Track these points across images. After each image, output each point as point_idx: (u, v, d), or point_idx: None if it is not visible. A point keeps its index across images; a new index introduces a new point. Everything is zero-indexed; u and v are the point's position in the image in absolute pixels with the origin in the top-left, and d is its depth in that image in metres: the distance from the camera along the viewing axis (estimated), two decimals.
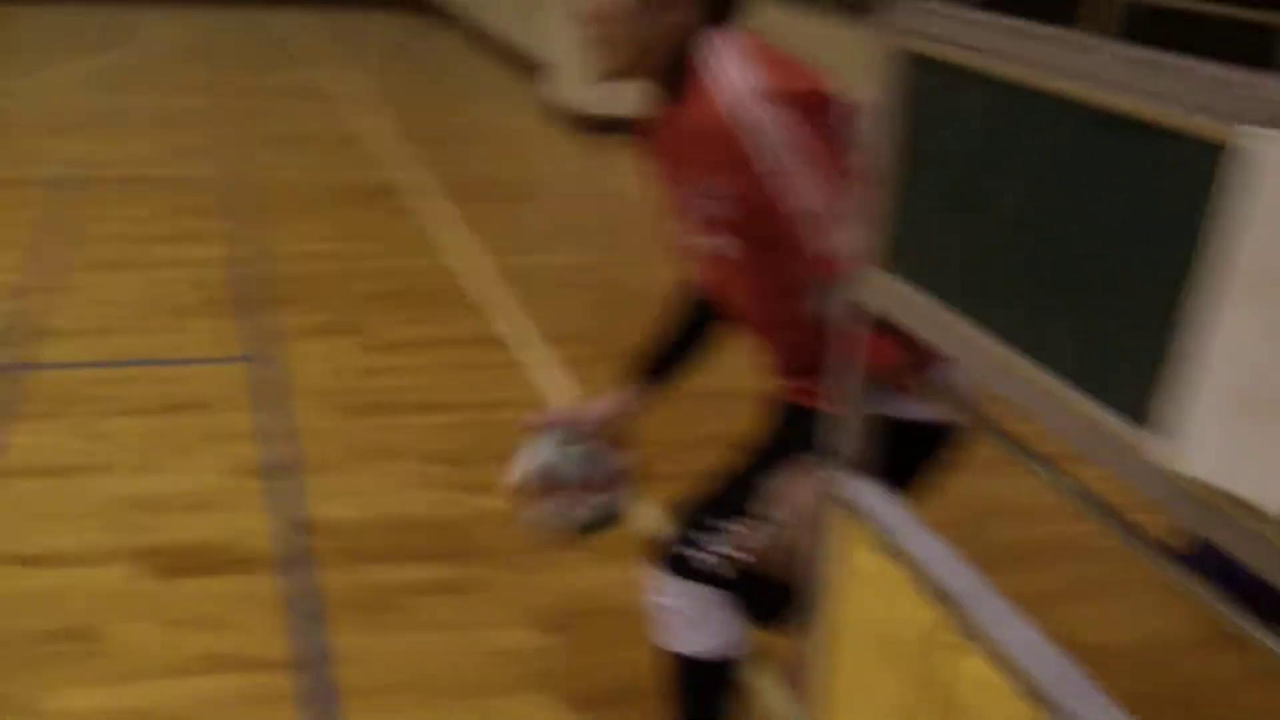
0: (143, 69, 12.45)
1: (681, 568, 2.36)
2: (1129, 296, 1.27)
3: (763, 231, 2.10)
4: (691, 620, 2.41)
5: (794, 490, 2.23)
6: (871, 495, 1.85)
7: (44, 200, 7.21)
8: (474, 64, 13.71)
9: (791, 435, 2.31)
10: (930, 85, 1.64)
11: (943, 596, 1.61)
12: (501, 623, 3.33)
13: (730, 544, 2.31)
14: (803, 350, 2.25)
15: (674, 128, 2.18)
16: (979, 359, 1.54)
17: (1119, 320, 1.29)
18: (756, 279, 2.22)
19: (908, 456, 2.22)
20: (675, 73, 2.14)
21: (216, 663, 3.12)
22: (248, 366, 4.93)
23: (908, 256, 1.71)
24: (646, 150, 2.34)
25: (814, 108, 2.00)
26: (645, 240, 6.82)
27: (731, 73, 2.03)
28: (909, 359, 1.75)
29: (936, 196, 1.64)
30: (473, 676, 3.11)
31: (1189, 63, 1.19)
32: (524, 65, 12.31)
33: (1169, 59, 1.21)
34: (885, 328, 1.75)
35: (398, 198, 7.66)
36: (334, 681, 3.06)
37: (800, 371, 2.28)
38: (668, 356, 2.56)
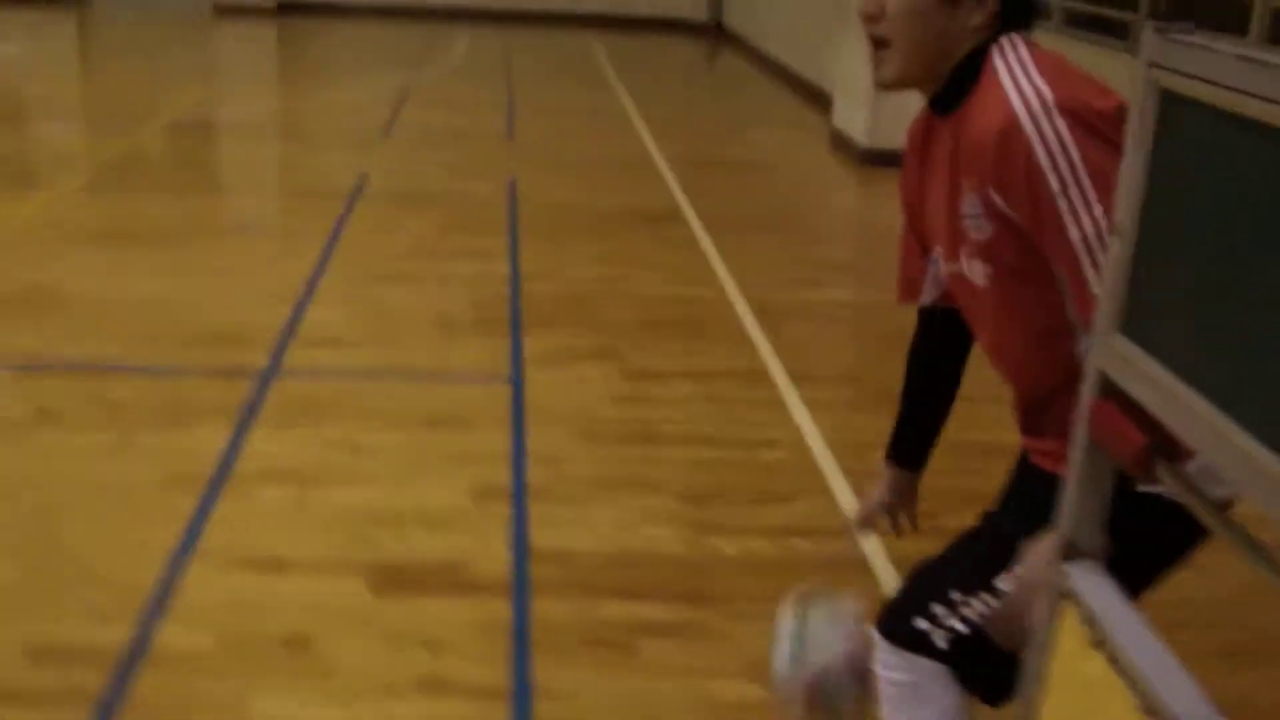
0: (445, 85, 12.82)
1: (906, 638, 2.18)
2: None
3: (1030, 262, 1.92)
4: (912, 695, 2.23)
5: (1028, 567, 2.02)
6: (1098, 587, 1.64)
7: (335, 212, 7.42)
8: (766, 91, 13.66)
9: (1035, 504, 2.10)
10: (1188, 129, 1.43)
11: (1159, 717, 1.39)
12: (726, 674, 3.17)
13: (960, 617, 2.12)
14: (1055, 406, 2.03)
15: (953, 137, 2.01)
16: (1224, 453, 1.32)
17: None
18: (1013, 316, 2.03)
19: (1158, 534, 1.99)
20: (961, 79, 1.98)
21: (433, 686, 3.06)
22: (511, 387, 4.91)
23: (1149, 322, 1.50)
24: (914, 161, 2.17)
25: (1113, 129, 1.79)
26: None
27: (1027, 81, 1.86)
28: (1153, 441, 1.52)
29: (1189, 257, 1.43)
30: None
31: None
32: (813, 95, 12.17)
33: None
34: (1128, 401, 1.54)
35: (679, 223, 7.60)
36: (537, 715, 2.96)
37: (1049, 430, 2.06)
38: (917, 433, 2.44)
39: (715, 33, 18.02)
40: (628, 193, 8.41)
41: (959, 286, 2.12)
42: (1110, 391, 1.59)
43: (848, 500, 4.04)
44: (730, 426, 4.66)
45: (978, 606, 2.11)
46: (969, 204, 1.96)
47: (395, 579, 3.51)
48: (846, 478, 4.23)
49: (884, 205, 8.53)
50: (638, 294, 6.19)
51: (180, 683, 3.02)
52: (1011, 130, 1.83)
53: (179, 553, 3.57)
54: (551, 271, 6.46)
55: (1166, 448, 1.52)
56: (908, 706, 2.24)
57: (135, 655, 3.10)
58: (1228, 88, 1.33)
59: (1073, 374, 1.96)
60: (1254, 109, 1.28)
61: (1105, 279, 1.60)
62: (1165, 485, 1.53)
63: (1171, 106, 1.47)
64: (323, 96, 11.86)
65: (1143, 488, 1.82)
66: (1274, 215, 1.27)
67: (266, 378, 4.85)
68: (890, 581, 3.55)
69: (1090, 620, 1.62)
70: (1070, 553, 1.71)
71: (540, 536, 3.76)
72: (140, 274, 6.11)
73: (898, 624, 2.21)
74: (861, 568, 3.68)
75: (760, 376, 5.16)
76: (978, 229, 1.96)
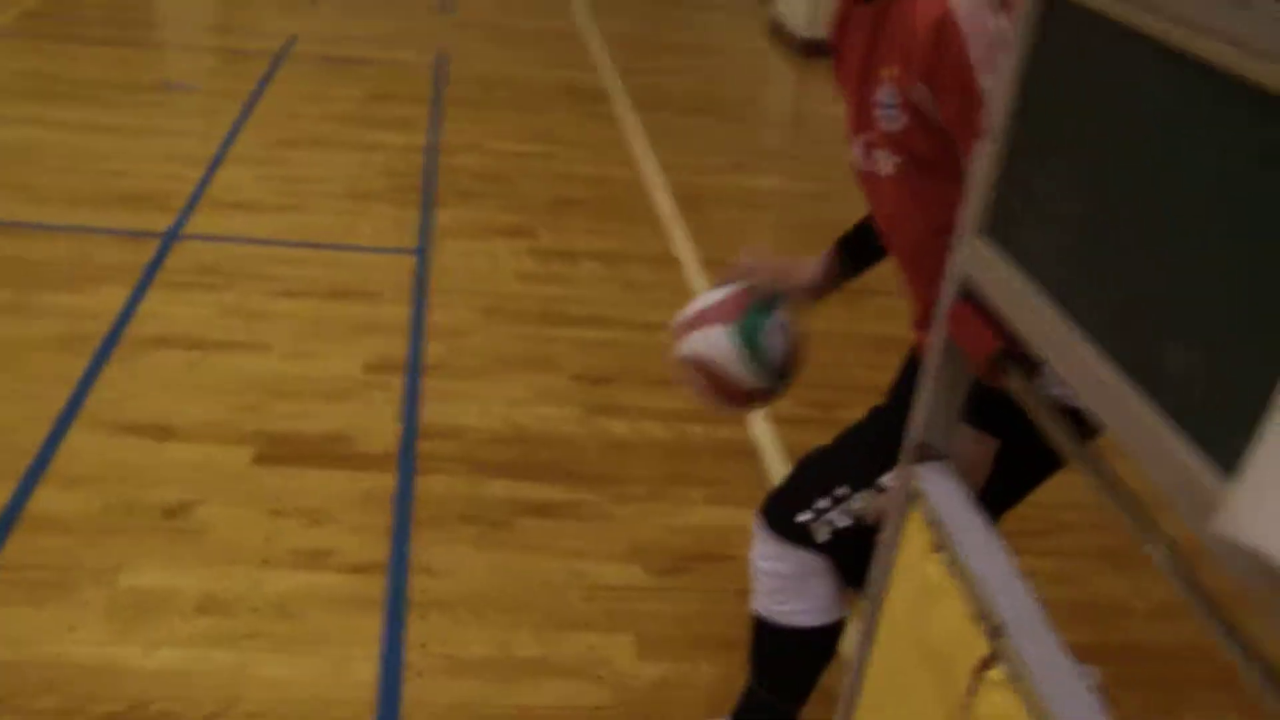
0: None
1: (789, 529, 2.18)
2: (1258, 326, 1.03)
3: (940, 156, 1.88)
4: (792, 586, 2.24)
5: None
6: (945, 491, 1.64)
7: (263, 74, 7.27)
8: None
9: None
10: (1072, 33, 1.40)
11: (993, 626, 1.40)
12: (606, 556, 3.19)
13: (843, 511, 2.13)
14: None
15: (875, 23, 1.95)
16: (1064, 359, 1.31)
17: (1242, 351, 1.05)
18: (916, 208, 1.99)
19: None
20: None
21: (311, 559, 3.06)
22: (419, 260, 4.86)
23: (1014, 227, 1.49)
24: (838, 41, 2.11)
25: None
26: (844, 173, 6.60)
27: None
28: (1008, 348, 1.51)
29: (1057, 166, 1.41)
30: (558, 607, 2.98)
31: None
32: None
33: None
34: (989, 305, 1.52)
35: (607, 102, 7.51)
36: (412, 590, 2.97)
37: None
38: (868, 245, 2.31)
39: None
40: (559, 68, 8.28)
41: (860, 172, 2.08)
42: (972, 294, 1.58)
43: None
44: (635, 309, 4.63)
45: (860, 501, 2.11)
46: (885, 93, 1.90)
47: (281, 449, 3.49)
48: None
49: (818, 96, 8.48)
50: (557, 172, 6.11)
51: (56, 547, 2.99)
52: (948, 23, 1.76)
53: (64, 414, 3.53)
54: (472, 145, 6.37)
55: (1025, 356, 1.52)
56: (787, 597, 2.25)
57: (9, 517, 3.07)
58: None
59: None
60: (1140, 20, 1.25)
61: (974, 180, 1.58)
62: (1015, 391, 1.52)
63: (1058, 7, 1.43)
64: None
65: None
66: (1146, 132, 1.25)
67: (170, 239, 4.77)
68: (779, 469, 3.57)
69: (934, 522, 1.62)
70: (922, 453, 1.71)
71: (431, 412, 3.75)
72: (56, 128, 5.98)
73: (781, 515, 2.21)
74: (752, 454, 3.70)
75: (672, 261, 5.13)
76: (889, 119, 1.91)
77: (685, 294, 4.80)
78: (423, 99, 7.13)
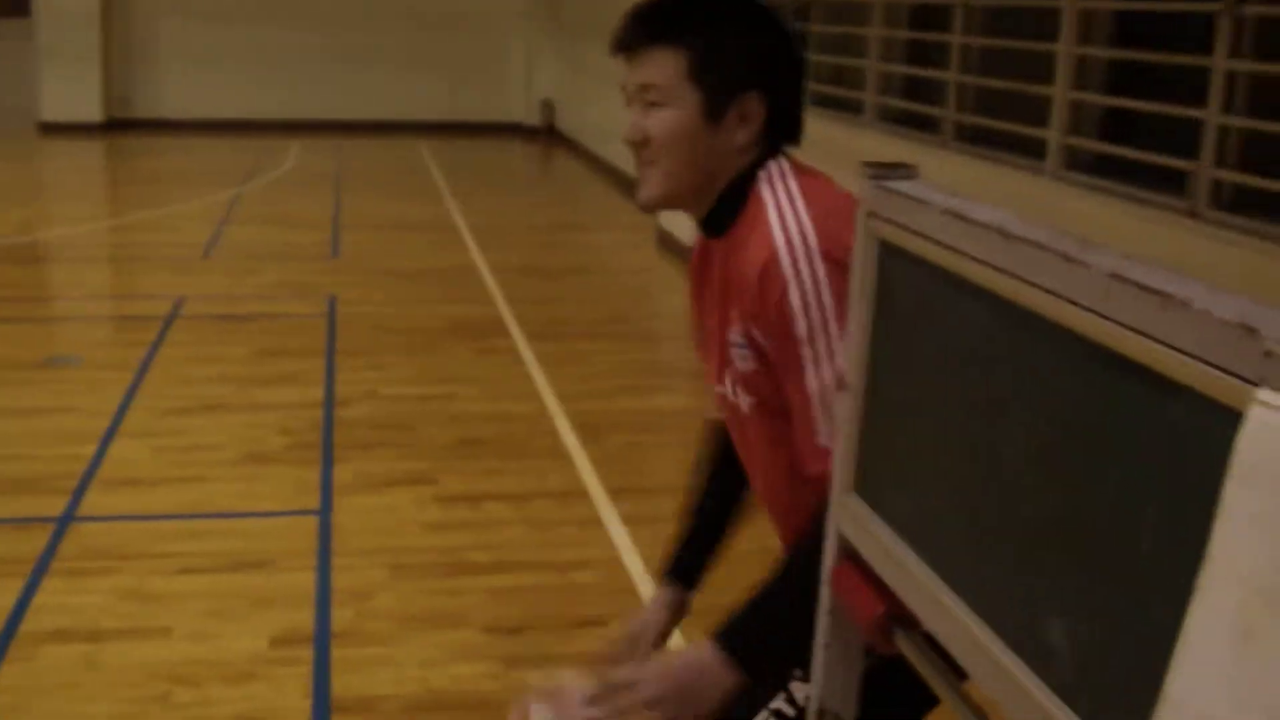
0: (272, 200, 12.56)
1: None
2: (1129, 596, 0.99)
3: (783, 400, 1.86)
4: None
5: None
6: None
7: (148, 339, 7.19)
8: (597, 193, 13.64)
9: None
10: (904, 282, 1.40)
11: None
12: None
13: None
14: None
15: (723, 262, 1.96)
16: (944, 626, 1.28)
17: (1113, 621, 1.02)
18: (772, 448, 1.96)
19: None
20: (728, 203, 1.92)
21: None
22: (320, 521, 4.76)
23: (879, 482, 1.46)
24: (694, 279, 2.12)
25: None
26: None
27: (794, 219, 1.81)
28: (888, 608, 1.47)
29: (909, 416, 1.39)
30: None
31: (1211, 296, 0.92)
32: None
33: (1185, 288, 0.94)
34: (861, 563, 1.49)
35: (501, 335, 7.51)
36: None
37: None
38: (696, 554, 2.29)
39: (547, 136, 18.07)
40: (450, 305, 8.29)
41: (726, 410, 2.07)
42: (853, 554, 1.55)
43: None
44: (543, 550, 4.56)
45: None
46: (735, 333, 1.92)
47: None
48: None
49: None
50: (455, 413, 6.07)
51: None
52: (771, 267, 1.79)
53: None
54: (367, 394, 6.31)
55: (910, 615, 1.47)
56: None
57: None
58: (936, 242, 1.30)
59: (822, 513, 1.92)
60: (958, 265, 1.25)
61: (838, 436, 1.57)
62: (906, 655, 1.48)
63: (890, 258, 1.43)
64: (146, 215, 11.56)
65: None
66: (977, 376, 1.24)
67: (61, 526, 4.63)
68: None
69: None
70: (825, 718, 1.65)
71: (341, 684, 3.62)
72: None
73: None
74: None
75: (578, 495, 5.08)
76: (742, 359, 1.92)
77: (595, 528, 4.74)
78: (314, 350, 7.09)
